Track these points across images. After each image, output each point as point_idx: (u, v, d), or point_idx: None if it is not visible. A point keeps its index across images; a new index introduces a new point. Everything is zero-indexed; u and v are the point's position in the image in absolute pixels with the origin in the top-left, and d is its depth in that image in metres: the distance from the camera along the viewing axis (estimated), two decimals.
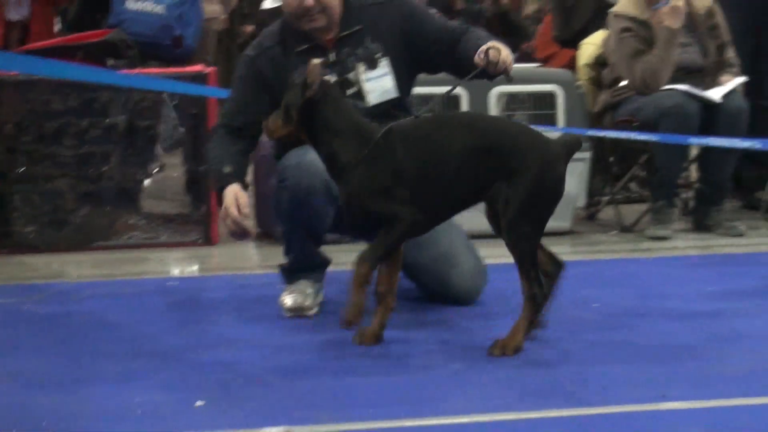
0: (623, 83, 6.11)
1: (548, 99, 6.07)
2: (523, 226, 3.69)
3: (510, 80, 4.10)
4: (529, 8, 8.97)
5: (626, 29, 6.10)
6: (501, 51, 4.03)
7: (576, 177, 5.90)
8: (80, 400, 3.41)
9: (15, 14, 6.85)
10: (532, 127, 3.96)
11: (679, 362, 3.65)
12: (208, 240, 5.99)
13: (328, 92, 3.85)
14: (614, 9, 6.29)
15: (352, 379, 3.56)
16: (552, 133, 4.68)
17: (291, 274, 4.49)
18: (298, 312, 4.36)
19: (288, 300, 4.39)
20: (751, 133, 6.02)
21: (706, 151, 6.13)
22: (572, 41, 7.17)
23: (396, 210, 3.75)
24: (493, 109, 6.00)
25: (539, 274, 3.73)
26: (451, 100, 5.83)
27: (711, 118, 5.91)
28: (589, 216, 6.55)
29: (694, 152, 6.41)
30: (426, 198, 3.76)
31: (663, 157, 5.98)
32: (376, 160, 3.76)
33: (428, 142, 3.78)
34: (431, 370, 3.64)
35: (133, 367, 3.75)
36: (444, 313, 4.35)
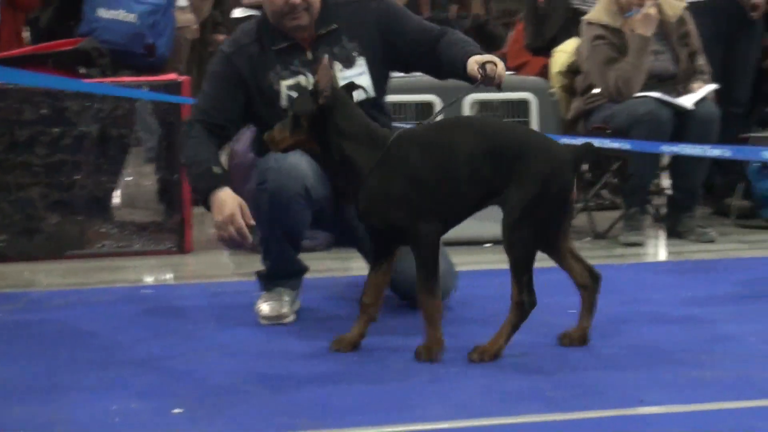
0: (596, 91, 6.14)
1: (522, 106, 6.09)
2: (522, 230, 3.68)
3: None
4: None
5: (599, 37, 6.13)
6: (497, 65, 4.08)
7: None
8: (56, 408, 3.39)
9: None
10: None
11: (656, 367, 3.67)
12: (182, 248, 5.97)
13: (339, 97, 3.81)
14: (587, 17, 6.32)
15: (331, 387, 3.56)
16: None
17: (268, 280, 4.47)
18: (274, 320, 4.35)
19: (265, 307, 4.38)
20: (722, 139, 6.06)
21: (678, 158, 6.17)
22: (544, 49, 7.20)
23: (416, 224, 3.72)
24: None
25: (532, 281, 3.73)
26: (424, 107, 5.84)
27: (683, 125, 5.95)
28: None
29: (665, 159, 6.45)
30: (440, 202, 3.75)
31: (636, 164, 6.02)
32: (391, 165, 3.74)
33: (439, 146, 3.76)
34: (411, 376, 3.64)
35: (109, 375, 3.73)
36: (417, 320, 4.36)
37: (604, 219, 6.37)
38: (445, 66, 4.27)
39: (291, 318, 4.39)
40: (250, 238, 4.13)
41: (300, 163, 4.22)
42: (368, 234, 3.93)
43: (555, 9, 7.50)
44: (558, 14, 7.47)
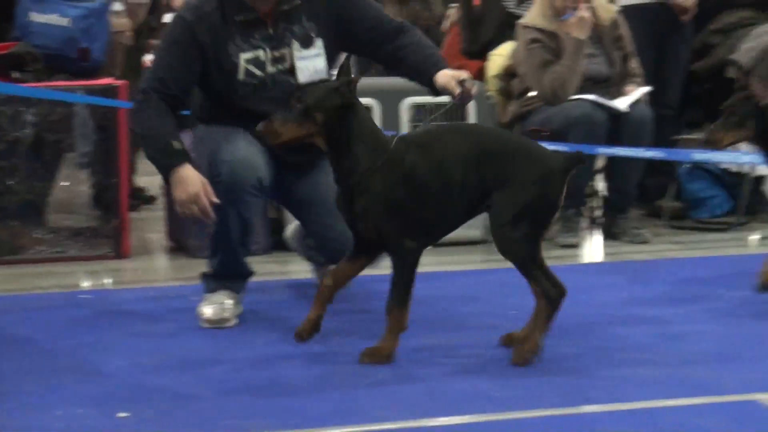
0: (532, 94, 6.19)
1: (459, 110, 6.11)
2: (513, 232, 3.70)
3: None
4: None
5: (535, 40, 6.18)
6: (474, 84, 4.21)
7: None
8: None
9: None
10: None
11: (600, 367, 3.72)
12: (120, 253, 5.93)
13: (356, 97, 3.78)
14: (522, 20, 6.37)
15: (278, 389, 3.57)
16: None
17: (214, 280, 4.46)
18: (216, 323, 4.34)
19: (207, 311, 4.37)
20: (655, 141, 6.15)
21: (613, 160, 6.24)
22: (479, 53, 7.23)
23: (402, 238, 3.73)
24: (403, 119, 6.03)
25: (547, 270, 3.75)
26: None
27: (617, 127, 6.02)
28: None
29: (601, 162, 6.51)
30: (433, 209, 3.75)
31: None
32: (391, 168, 3.72)
33: (435, 150, 3.76)
34: (359, 379, 3.65)
35: (51, 381, 3.71)
36: (370, 322, 4.37)
37: None
38: (408, 69, 4.32)
39: (233, 322, 4.38)
40: (212, 216, 4.14)
41: (253, 154, 4.24)
42: (354, 235, 3.90)
43: (490, 13, 7.54)
44: (493, 18, 7.50)
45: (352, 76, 3.76)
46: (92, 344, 4.17)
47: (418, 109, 6.11)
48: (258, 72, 4.32)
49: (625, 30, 6.39)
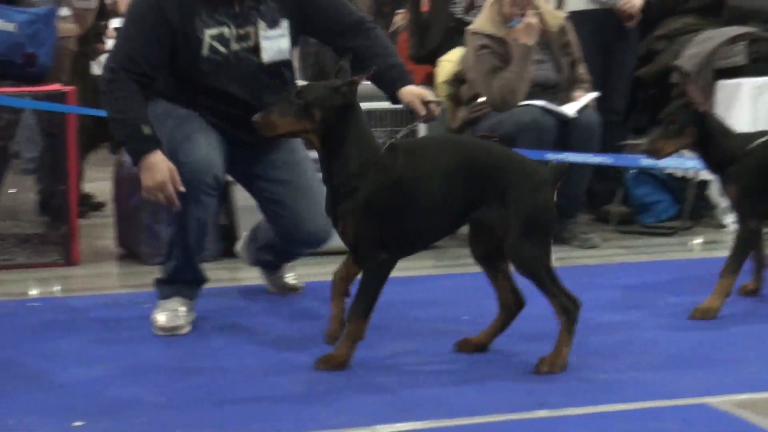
0: (481, 99, 6.23)
1: (408, 116, 6.13)
2: (527, 249, 3.71)
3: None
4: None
5: (483, 46, 6.22)
6: (438, 106, 4.31)
7: None
8: None
9: None
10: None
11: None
12: (69, 260, 5.89)
13: (356, 98, 3.78)
14: (471, 27, 6.41)
15: (234, 396, 3.57)
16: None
17: (168, 285, 4.46)
18: (170, 331, 4.33)
19: (160, 318, 4.36)
20: (602, 146, 6.21)
21: None
22: (427, 59, 7.26)
23: (376, 249, 3.72)
24: None
25: (562, 286, 3.76)
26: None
27: (566, 132, 6.07)
28: None
29: None
30: (417, 216, 3.75)
31: None
32: (379, 174, 3.71)
33: (425, 160, 3.77)
34: (311, 387, 3.67)
35: (3, 390, 3.67)
36: (314, 329, 4.39)
37: None
38: (372, 75, 4.33)
39: (187, 329, 4.37)
40: (178, 205, 4.16)
41: (209, 152, 4.28)
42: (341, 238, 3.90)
43: (437, 19, 7.57)
44: (440, 24, 7.54)
45: (354, 77, 3.76)
46: (44, 353, 4.14)
47: (369, 114, 6.12)
48: (222, 49, 4.32)
49: (572, 36, 6.44)
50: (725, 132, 4.59)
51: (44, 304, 5.09)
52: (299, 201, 4.53)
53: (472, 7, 7.00)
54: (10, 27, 6.28)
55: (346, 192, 3.72)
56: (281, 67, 4.43)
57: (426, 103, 4.28)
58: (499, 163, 3.77)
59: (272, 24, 4.37)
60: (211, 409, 3.45)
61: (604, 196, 6.90)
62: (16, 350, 4.19)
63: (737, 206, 4.57)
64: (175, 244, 4.40)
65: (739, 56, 6.89)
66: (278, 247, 4.82)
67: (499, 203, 3.73)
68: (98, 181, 7.98)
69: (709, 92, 6.77)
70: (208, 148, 4.28)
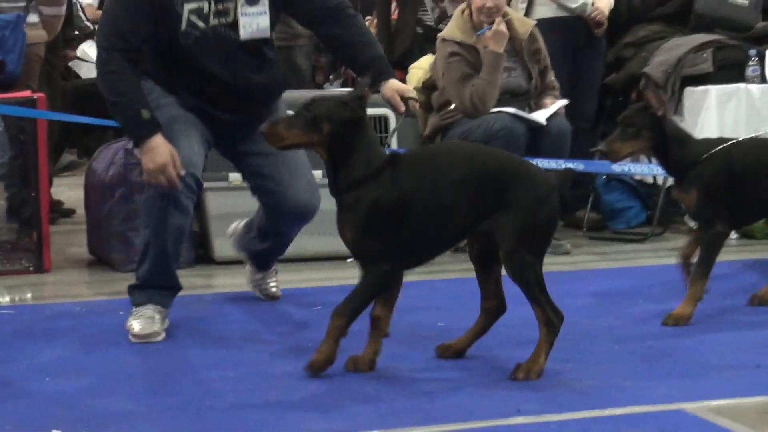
0: (452, 106, 6.24)
1: (380, 122, 6.16)
2: (523, 256, 3.72)
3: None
4: None
5: (454, 54, 6.24)
6: (417, 103, 4.37)
7: None
8: None
9: None
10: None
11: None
12: (40, 267, 5.85)
13: (365, 111, 3.78)
14: (442, 34, 6.42)
15: (210, 403, 3.56)
16: None
17: (142, 291, 4.44)
18: (145, 338, 4.31)
19: (135, 325, 4.35)
20: (573, 153, 6.23)
21: None
22: (395, 65, 7.27)
23: (377, 259, 3.72)
24: None
25: (549, 297, 3.78)
26: None
27: (537, 139, 6.09)
28: None
29: None
30: (423, 226, 3.74)
31: None
32: (385, 185, 3.72)
33: (430, 169, 3.77)
34: (292, 392, 3.66)
35: None
36: (299, 337, 4.40)
37: None
38: (352, 64, 4.51)
39: (162, 336, 4.36)
40: (179, 187, 4.20)
41: (190, 155, 4.29)
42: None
43: (406, 26, 7.60)
44: (408, 31, 7.57)
45: (362, 91, 3.76)
46: (17, 361, 4.11)
47: None
48: (200, 23, 4.33)
49: (542, 44, 6.47)
50: (683, 137, 4.62)
51: (16, 311, 5.06)
52: (285, 173, 4.54)
53: (445, 16, 7.02)
54: None
55: (350, 202, 3.73)
56: (261, 46, 4.42)
57: (405, 100, 4.31)
58: (506, 173, 3.77)
59: (252, 1, 4.37)
60: (189, 417, 3.44)
61: (576, 203, 6.93)
62: None
63: (700, 211, 4.58)
64: (151, 247, 4.38)
65: (706, 63, 6.94)
66: (271, 233, 4.80)
67: (504, 212, 3.73)
68: (70, 187, 7.96)
69: (673, 99, 6.84)
70: (189, 151, 4.29)
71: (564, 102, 6.36)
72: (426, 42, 6.91)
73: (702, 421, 3.35)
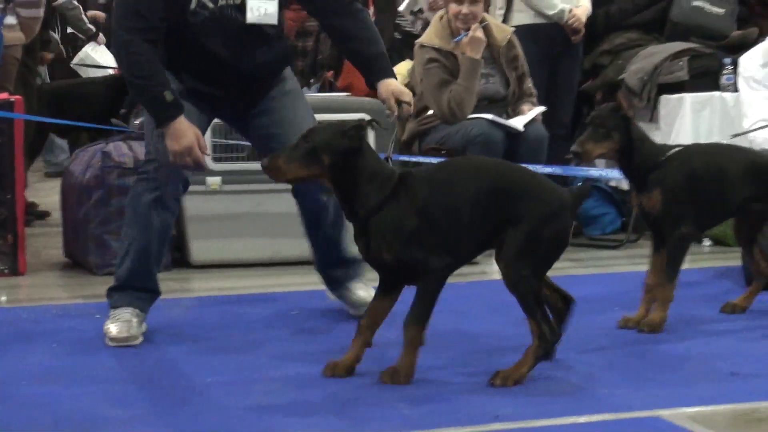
0: (430, 112, 6.26)
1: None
2: (521, 268, 3.71)
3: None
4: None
5: (432, 60, 6.26)
6: (410, 106, 4.36)
7: None
8: None
9: None
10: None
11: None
12: (15, 270, 5.82)
13: (364, 138, 3.75)
14: (420, 40, 6.45)
15: (187, 408, 3.56)
16: None
17: (120, 292, 4.43)
18: (123, 341, 4.30)
19: (113, 329, 4.33)
20: (549, 160, 6.26)
21: None
22: None
23: (428, 257, 3.70)
24: None
25: (546, 312, 3.78)
26: None
27: (514, 146, 6.12)
28: None
29: None
30: (448, 239, 3.73)
31: None
32: (400, 202, 3.70)
33: (444, 185, 3.75)
34: (265, 397, 3.67)
35: None
36: (278, 342, 4.39)
37: None
38: (355, 59, 4.50)
39: (139, 340, 4.35)
40: (206, 166, 4.30)
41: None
42: (377, 270, 3.87)
43: (383, 31, 7.60)
44: (385, 37, 7.56)
45: (360, 121, 3.77)
46: None
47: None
48: (209, 3, 4.31)
49: (519, 50, 6.50)
50: (646, 140, 4.64)
51: None
52: (290, 129, 4.43)
53: (427, 25, 7.04)
54: None
55: (372, 228, 3.71)
56: (267, 31, 4.40)
57: (399, 103, 4.32)
58: (517, 187, 3.76)
59: None
60: (169, 421, 3.44)
61: None
62: None
63: (665, 213, 4.58)
64: (133, 245, 4.38)
65: (681, 71, 6.98)
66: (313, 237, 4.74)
67: (512, 226, 3.72)
68: (44, 191, 7.94)
69: (648, 106, 6.88)
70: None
71: (541, 109, 6.39)
72: (404, 48, 6.93)
73: (678, 428, 3.37)
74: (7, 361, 4.17)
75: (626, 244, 6.62)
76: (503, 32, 6.47)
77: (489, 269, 6.01)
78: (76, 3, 9.33)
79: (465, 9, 6.23)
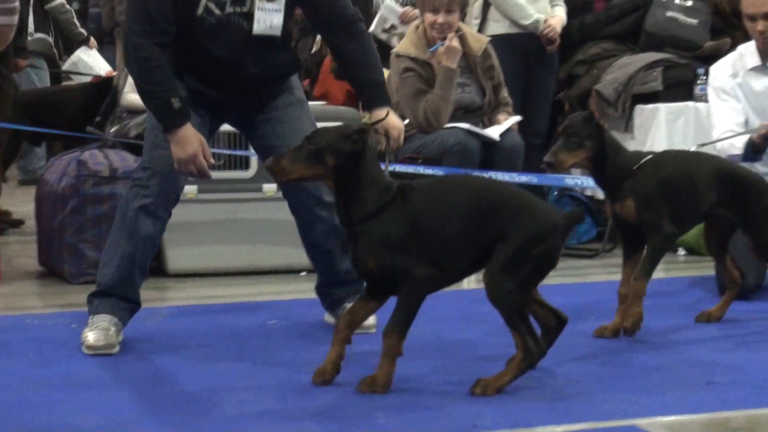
0: (406, 121, 6.26)
1: None
2: (503, 282, 3.71)
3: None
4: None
5: (408, 69, 6.28)
6: (400, 136, 4.41)
7: None
8: None
9: None
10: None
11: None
12: None
13: (368, 142, 3.77)
14: (396, 50, 6.47)
15: (167, 418, 3.55)
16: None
17: (101, 298, 4.42)
18: (100, 350, 4.28)
19: (90, 336, 4.32)
20: (525, 169, 6.29)
21: None
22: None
23: (411, 267, 3.71)
24: None
25: (531, 327, 3.79)
26: (241, 137, 5.87)
27: (490, 155, 6.15)
28: None
29: None
30: (438, 253, 3.74)
31: None
32: (394, 211, 3.73)
33: (439, 198, 3.78)
34: (251, 404, 3.67)
35: None
36: (257, 351, 4.39)
37: None
38: (353, 81, 4.55)
39: (116, 349, 4.34)
40: (210, 175, 4.30)
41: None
42: (364, 278, 3.91)
43: None
44: None
45: (364, 126, 3.80)
46: None
47: None
48: (216, 10, 4.31)
49: (495, 60, 6.52)
50: (618, 148, 4.65)
51: None
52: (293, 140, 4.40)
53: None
54: None
55: (360, 233, 3.74)
56: (273, 39, 4.41)
57: (387, 137, 4.37)
58: (508, 206, 3.78)
59: None
60: (147, 429, 3.44)
61: None
62: None
63: (640, 221, 4.59)
64: (119, 251, 4.38)
65: (656, 82, 7.03)
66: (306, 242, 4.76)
67: (500, 242, 3.74)
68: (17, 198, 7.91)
69: (623, 116, 6.91)
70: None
71: (517, 118, 6.42)
72: (380, 57, 6.92)
73: None
74: None
75: (602, 254, 6.65)
76: (479, 42, 6.49)
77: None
78: (68, 7, 9.32)
79: (441, 18, 6.26)
